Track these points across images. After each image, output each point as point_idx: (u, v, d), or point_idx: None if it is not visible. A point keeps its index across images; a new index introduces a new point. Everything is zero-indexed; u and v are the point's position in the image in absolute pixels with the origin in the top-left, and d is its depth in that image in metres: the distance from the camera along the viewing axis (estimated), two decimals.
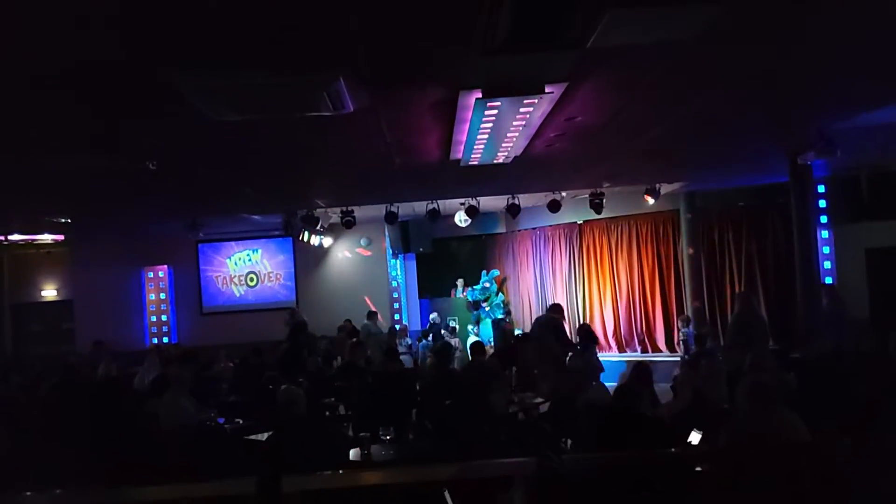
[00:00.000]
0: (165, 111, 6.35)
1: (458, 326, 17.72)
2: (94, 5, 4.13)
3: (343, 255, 18.15)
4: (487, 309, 17.96)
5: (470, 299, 18.31)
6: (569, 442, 6.62)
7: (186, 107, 5.94)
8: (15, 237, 14.14)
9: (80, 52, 4.85)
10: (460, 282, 19.17)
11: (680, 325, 14.66)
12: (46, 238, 14.71)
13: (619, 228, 16.58)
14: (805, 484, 4.33)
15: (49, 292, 18.24)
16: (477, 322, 17.97)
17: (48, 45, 4.71)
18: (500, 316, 17.59)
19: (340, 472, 5.15)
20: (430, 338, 16.45)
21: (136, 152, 7.66)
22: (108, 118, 6.60)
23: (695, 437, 5.98)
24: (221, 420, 8.80)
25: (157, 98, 5.93)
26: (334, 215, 14.72)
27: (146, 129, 7.06)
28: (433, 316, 17.54)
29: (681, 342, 14.48)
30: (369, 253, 17.99)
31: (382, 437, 7.24)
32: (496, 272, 18.65)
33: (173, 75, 5.33)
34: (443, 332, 16.82)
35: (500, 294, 18.50)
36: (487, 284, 18.24)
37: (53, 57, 4.91)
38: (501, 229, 19.28)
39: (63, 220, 12.73)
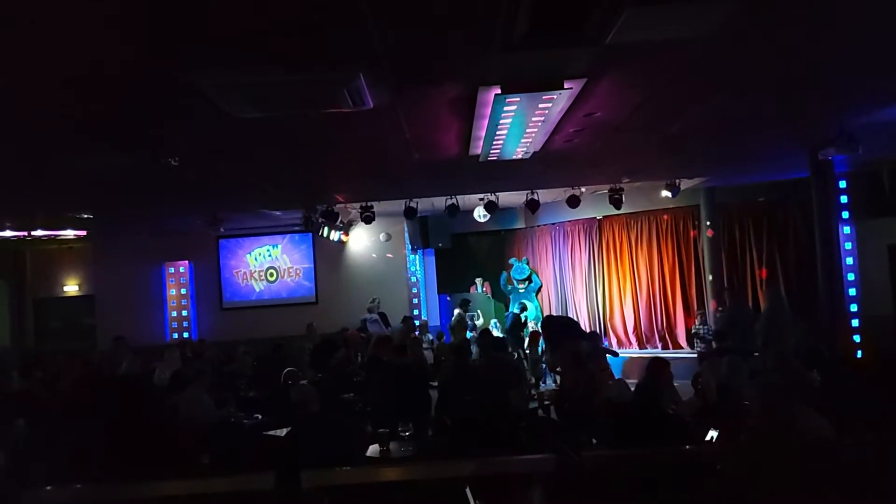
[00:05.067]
0: (187, 109, 6.39)
1: (482, 320, 17.62)
2: (120, 7, 4.16)
3: (362, 250, 18.19)
4: (522, 291, 17.89)
5: (516, 277, 18.22)
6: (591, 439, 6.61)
7: (208, 104, 5.98)
8: (38, 232, 14.24)
9: (105, 53, 4.89)
10: (479, 280, 19.14)
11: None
12: (69, 234, 14.82)
13: (639, 224, 16.50)
14: (828, 482, 4.30)
15: (71, 287, 18.39)
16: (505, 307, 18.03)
17: (74, 46, 4.75)
18: (516, 311, 17.47)
19: (360, 467, 5.17)
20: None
21: (158, 149, 7.69)
22: (130, 117, 6.64)
23: (712, 436, 5.96)
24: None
25: (178, 96, 5.96)
26: (354, 211, 14.75)
27: (168, 126, 7.11)
28: (457, 311, 17.46)
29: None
30: (391, 256, 18.09)
31: (402, 433, 7.25)
32: (527, 260, 18.51)
33: (196, 74, 5.36)
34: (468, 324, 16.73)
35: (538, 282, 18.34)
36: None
37: (78, 57, 4.95)
38: (520, 224, 19.23)
39: (85, 216, 12.83)
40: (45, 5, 4.10)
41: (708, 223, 15.04)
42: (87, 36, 4.60)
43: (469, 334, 15.25)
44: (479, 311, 17.75)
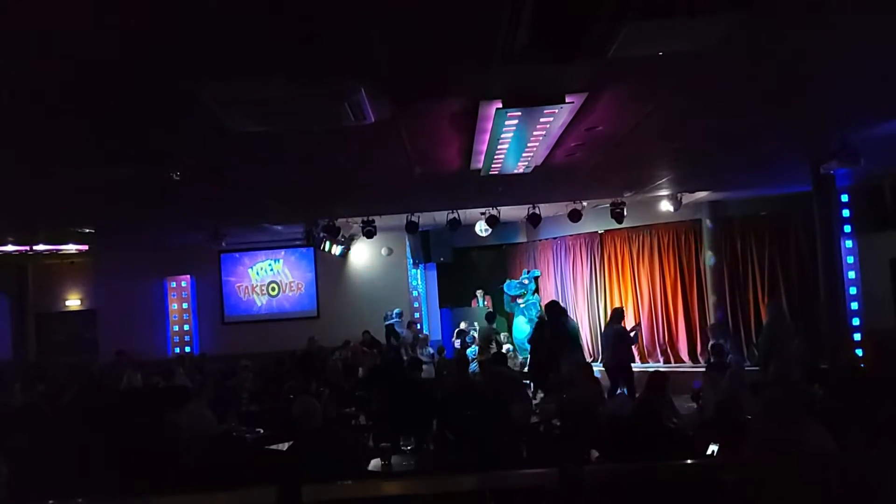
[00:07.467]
0: (188, 123, 6.41)
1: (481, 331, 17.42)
2: (122, 18, 4.18)
3: (364, 264, 18.19)
4: (522, 306, 17.76)
5: (507, 293, 18.11)
6: (592, 453, 6.59)
7: (209, 119, 5.99)
8: (40, 247, 14.26)
9: (107, 65, 4.90)
10: (480, 292, 19.10)
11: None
12: (71, 248, 14.84)
13: (641, 238, 16.47)
14: (830, 496, 4.28)
15: (73, 302, 18.40)
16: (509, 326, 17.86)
17: (74, 58, 4.76)
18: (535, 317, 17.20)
19: (361, 481, 5.15)
20: (459, 345, 16.45)
21: (159, 164, 7.71)
22: (132, 131, 6.65)
23: (713, 450, 5.94)
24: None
25: (180, 110, 5.98)
26: (355, 225, 14.76)
27: (170, 141, 7.12)
28: (463, 325, 17.37)
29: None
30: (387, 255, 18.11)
31: (403, 448, 7.23)
32: (537, 272, 18.35)
33: (198, 87, 5.38)
34: (468, 340, 16.67)
35: (537, 295, 18.07)
36: (526, 281, 17.92)
37: (79, 70, 4.96)
38: (522, 239, 19.21)
39: (87, 231, 12.85)
40: (45, 15, 4.11)
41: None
42: (88, 47, 4.62)
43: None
44: (475, 323, 17.64)
